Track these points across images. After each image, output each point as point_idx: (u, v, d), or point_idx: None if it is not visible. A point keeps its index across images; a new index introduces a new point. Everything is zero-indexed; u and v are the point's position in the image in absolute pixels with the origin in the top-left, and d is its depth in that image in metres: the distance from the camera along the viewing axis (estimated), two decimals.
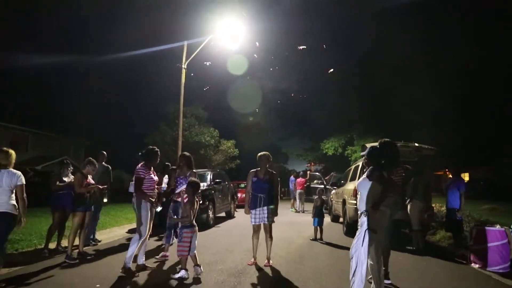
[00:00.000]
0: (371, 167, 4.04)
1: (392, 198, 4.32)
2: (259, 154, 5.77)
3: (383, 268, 4.39)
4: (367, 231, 3.83)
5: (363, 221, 3.94)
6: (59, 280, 4.71)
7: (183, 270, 4.72)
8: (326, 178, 18.08)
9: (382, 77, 26.64)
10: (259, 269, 5.33)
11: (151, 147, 5.59)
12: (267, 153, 5.80)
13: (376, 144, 5.34)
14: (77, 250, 6.07)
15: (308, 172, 18.71)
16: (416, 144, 8.20)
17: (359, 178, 6.04)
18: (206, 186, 10.55)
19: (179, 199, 5.81)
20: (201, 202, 9.45)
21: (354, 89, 27.63)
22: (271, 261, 5.57)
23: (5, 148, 4.52)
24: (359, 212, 4.13)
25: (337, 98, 28.42)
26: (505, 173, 24.95)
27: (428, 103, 23.74)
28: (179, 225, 5.57)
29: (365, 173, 4.09)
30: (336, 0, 27.68)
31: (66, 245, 6.33)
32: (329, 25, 29.17)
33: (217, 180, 11.61)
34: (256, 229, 5.65)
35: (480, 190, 23.28)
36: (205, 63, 15.74)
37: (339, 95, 28.26)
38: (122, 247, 6.97)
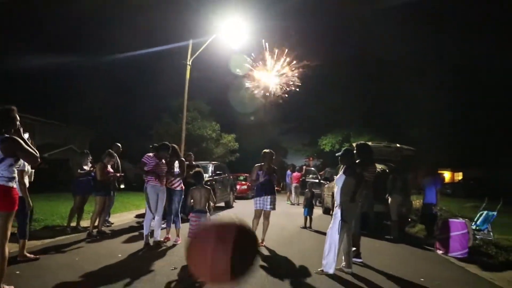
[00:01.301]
0: (345, 165, 4.96)
1: (364, 191, 5.25)
2: (264, 151, 6.72)
3: (354, 249, 5.33)
4: (340, 221, 4.75)
5: (336, 211, 4.86)
6: (87, 251, 5.66)
7: None
8: (321, 173, 18.99)
9: (381, 76, 27.48)
10: None
11: (164, 142, 6.52)
12: (271, 150, 6.76)
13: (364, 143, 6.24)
14: (96, 229, 6.99)
15: (304, 167, 19.59)
16: (398, 145, 9.12)
17: None
18: (208, 177, 11.46)
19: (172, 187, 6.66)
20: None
21: (353, 87, 28.52)
22: (264, 242, 6.50)
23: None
24: (335, 204, 5.04)
25: (336, 95, 29.30)
26: (501, 173, 25.38)
27: (425, 102, 24.63)
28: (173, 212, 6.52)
29: (341, 170, 5.02)
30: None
31: (85, 225, 7.31)
32: (330, 23, 29.93)
33: (218, 172, 12.56)
34: (258, 214, 6.55)
35: (470, 190, 24.06)
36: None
37: (338, 93, 29.13)
38: (133, 228, 7.94)
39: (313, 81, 30.27)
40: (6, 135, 3.47)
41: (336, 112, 29.29)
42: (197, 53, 16.76)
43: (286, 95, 24.48)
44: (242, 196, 17.50)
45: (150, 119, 26.90)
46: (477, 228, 7.37)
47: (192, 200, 5.64)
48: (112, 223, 8.50)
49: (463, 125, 26.28)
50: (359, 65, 28.18)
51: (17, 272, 4.30)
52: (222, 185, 12.93)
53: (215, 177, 12.04)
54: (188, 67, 16.52)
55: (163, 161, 6.29)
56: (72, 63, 31.93)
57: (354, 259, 5.24)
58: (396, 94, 26.08)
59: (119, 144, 8.62)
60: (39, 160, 3.69)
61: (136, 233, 7.26)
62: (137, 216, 10.19)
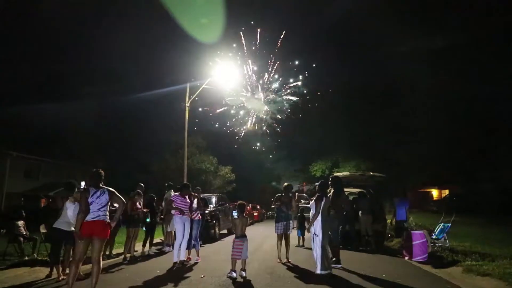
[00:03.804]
0: (318, 194, 6.78)
1: (340, 213, 7.05)
2: (285, 184, 8.51)
3: (334, 259, 7.06)
4: (314, 235, 6.53)
5: (312, 228, 6.65)
6: (130, 270, 7.27)
7: (232, 271, 6.18)
8: (312, 198, 20.69)
9: (365, 103, 29.63)
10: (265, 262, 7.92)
11: (185, 183, 8.25)
12: (290, 183, 8.58)
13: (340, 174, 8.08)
14: (129, 254, 8.58)
15: (296, 193, 21.31)
16: (371, 173, 10.98)
17: None
18: (212, 207, 13.14)
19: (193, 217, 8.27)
20: (209, 220, 12.00)
21: (339, 115, 30.63)
22: (290, 259, 7.99)
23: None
24: (310, 223, 6.80)
25: (324, 124, 31.36)
26: (478, 188, 26.99)
27: (407, 125, 26.64)
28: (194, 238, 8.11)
29: (315, 197, 6.83)
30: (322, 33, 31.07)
31: (115, 253, 8.92)
32: (317, 56, 32.33)
33: (221, 203, 14.21)
34: (281, 237, 8.06)
35: (453, 205, 25.70)
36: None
37: (325, 121, 31.20)
38: (155, 254, 9.55)
39: (302, 111, 32.41)
40: (108, 188, 5.22)
41: (323, 140, 31.26)
42: (194, 95, 18.80)
43: (276, 124, 26.52)
44: None
45: (149, 155, 28.52)
46: (436, 237, 9.13)
47: (234, 228, 6.83)
48: (136, 251, 10.06)
49: (444, 144, 28.00)
50: (344, 94, 30.40)
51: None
52: (224, 214, 14.54)
53: (218, 207, 13.69)
54: (187, 108, 18.46)
55: (186, 197, 7.99)
56: (73, 102, 33.61)
57: (334, 265, 6.96)
58: (379, 120, 28.12)
59: (142, 184, 10.27)
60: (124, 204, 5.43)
61: (160, 257, 8.90)
62: (154, 244, 11.72)
